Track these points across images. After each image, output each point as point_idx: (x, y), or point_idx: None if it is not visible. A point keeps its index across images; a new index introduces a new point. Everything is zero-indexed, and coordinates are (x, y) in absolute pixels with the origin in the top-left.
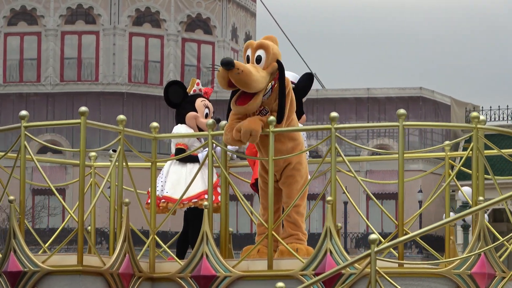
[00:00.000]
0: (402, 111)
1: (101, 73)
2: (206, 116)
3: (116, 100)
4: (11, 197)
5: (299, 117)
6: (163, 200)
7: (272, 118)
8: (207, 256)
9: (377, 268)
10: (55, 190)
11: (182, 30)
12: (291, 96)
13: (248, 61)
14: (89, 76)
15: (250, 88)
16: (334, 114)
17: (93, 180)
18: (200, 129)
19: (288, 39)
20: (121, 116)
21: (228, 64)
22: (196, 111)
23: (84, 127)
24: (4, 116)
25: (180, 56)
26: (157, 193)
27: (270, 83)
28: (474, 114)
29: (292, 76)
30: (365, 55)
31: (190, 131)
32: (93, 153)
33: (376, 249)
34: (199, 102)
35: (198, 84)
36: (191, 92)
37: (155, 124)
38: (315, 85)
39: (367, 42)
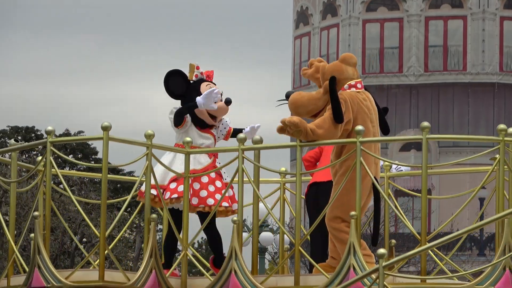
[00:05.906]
0: (425, 123)
1: (469, 61)
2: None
3: (486, 92)
4: (36, 213)
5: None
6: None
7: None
8: (235, 272)
9: (385, 283)
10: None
11: None
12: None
13: None
14: (456, 65)
15: (300, 114)
16: (359, 127)
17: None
18: (211, 116)
19: None
20: (149, 131)
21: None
22: None
23: (107, 143)
24: None
25: None
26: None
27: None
28: (501, 126)
29: None
30: None
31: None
32: None
33: (384, 264)
34: (204, 87)
35: (198, 68)
36: (194, 79)
37: (188, 139)
38: None
39: None
